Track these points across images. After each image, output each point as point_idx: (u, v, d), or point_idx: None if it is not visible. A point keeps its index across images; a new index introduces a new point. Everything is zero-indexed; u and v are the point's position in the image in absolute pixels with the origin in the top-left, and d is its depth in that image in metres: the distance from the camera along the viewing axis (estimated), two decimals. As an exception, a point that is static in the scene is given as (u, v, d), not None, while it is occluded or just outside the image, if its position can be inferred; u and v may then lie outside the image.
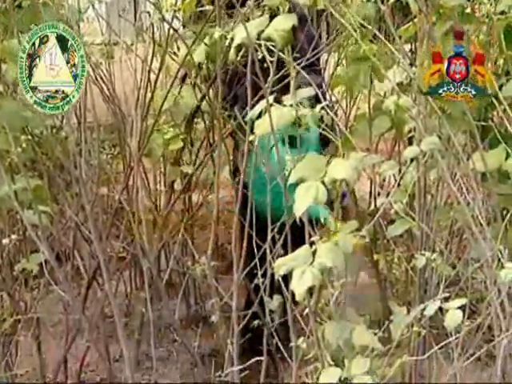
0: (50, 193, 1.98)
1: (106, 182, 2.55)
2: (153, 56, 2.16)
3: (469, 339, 1.40)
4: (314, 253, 1.14)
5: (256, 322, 1.78)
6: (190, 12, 2.19)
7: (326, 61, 2.89)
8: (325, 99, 1.41)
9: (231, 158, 2.26)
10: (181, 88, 2.25)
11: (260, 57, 1.25)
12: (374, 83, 1.78)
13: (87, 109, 2.10)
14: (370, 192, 3.05)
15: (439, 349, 1.31)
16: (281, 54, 1.25)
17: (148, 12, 2.36)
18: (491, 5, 1.49)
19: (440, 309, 1.20)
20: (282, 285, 1.35)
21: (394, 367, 1.18)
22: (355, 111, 2.98)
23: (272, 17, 1.25)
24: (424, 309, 1.20)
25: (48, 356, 2.16)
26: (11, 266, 1.92)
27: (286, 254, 1.25)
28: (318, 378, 1.19)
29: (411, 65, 1.49)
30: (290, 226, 1.36)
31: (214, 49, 1.89)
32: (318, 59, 2.29)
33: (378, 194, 2.53)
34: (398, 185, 1.46)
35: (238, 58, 1.30)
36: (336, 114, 2.55)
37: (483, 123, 1.51)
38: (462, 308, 1.18)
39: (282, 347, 1.58)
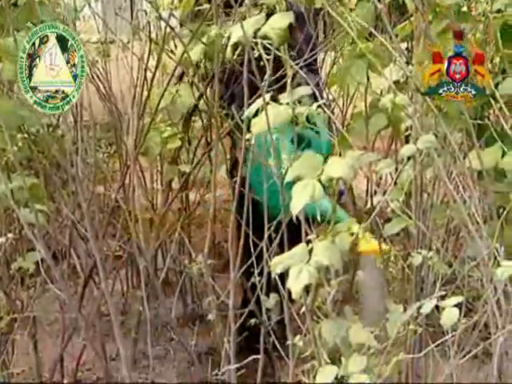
0: (47, 191, 1.98)
1: (102, 180, 2.55)
2: (149, 54, 2.16)
3: (465, 337, 1.40)
4: (310, 251, 1.15)
5: (253, 321, 1.79)
6: (188, 10, 2.18)
7: (323, 60, 2.90)
8: (322, 98, 1.41)
9: (228, 156, 2.26)
10: (176, 85, 2.24)
11: (257, 55, 1.25)
12: (371, 81, 1.78)
13: (84, 107, 2.10)
14: (367, 190, 3.05)
15: (436, 347, 1.31)
16: (277, 52, 1.24)
17: (144, 10, 2.36)
18: (487, 3, 1.50)
19: (436, 307, 1.20)
20: (279, 283, 1.35)
21: (390, 365, 1.18)
22: (352, 110, 2.99)
23: (269, 15, 1.25)
24: (420, 307, 1.20)
25: (44, 355, 2.16)
26: (7, 264, 1.92)
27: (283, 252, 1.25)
28: (314, 377, 1.19)
29: (408, 63, 1.49)
30: (290, 224, 1.35)
31: (211, 47, 1.89)
32: (316, 59, 2.29)
33: (375, 193, 2.53)
34: (395, 183, 1.47)
35: (235, 57, 1.29)
36: (333, 112, 2.55)
37: (479, 122, 1.51)
38: (459, 306, 1.18)
39: (278, 345, 1.58)
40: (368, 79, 1.66)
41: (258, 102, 1.24)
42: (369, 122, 1.69)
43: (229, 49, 1.24)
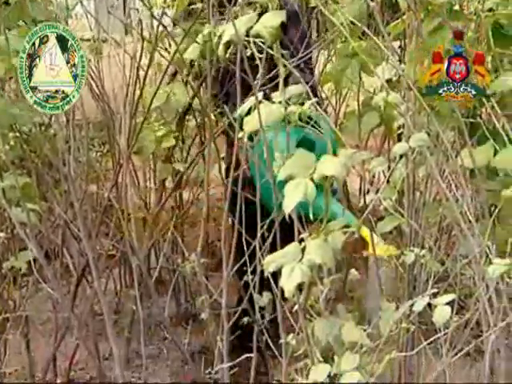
0: (39, 190, 1.97)
1: (95, 179, 2.54)
2: (141, 53, 2.15)
3: (457, 335, 1.40)
4: (303, 249, 1.15)
5: (246, 319, 1.79)
6: (181, 9, 2.18)
7: (316, 58, 2.90)
8: (317, 97, 1.41)
9: (222, 155, 2.26)
10: (169, 84, 2.24)
11: (250, 54, 1.25)
12: (363, 80, 1.78)
13: (76, 106, 2.09)
14: (360, 189, 3.06)
15: (428, 344, 1.31)
16: (270, 50, 1.24)
17: (137, 9, 2.36)
18: (479, 2, 1.50)
19: (429, 305, 1.20)
20: (272, 282, 1.35)
21: (382, 363, 1.18)
22: (345, 108, 2.99)
23: (262, 14, 1.25)
24: (413, 305, 1.21)
25: (37, 354, 2.16)
26: (-1, 263, 1.92)
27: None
28: (307, 375, 1.19)
29: (400, 61, 1.50)
30: (283, 223, 1.35)
31: (205, 46, 1.88)
32: (310, 57, 2.29)
33: (368, 191, 2.54)
34: (388, 181, 1.47)
35: (229, 56, 1.29)
36: (326, 111, 2.55)
37: (472, 120, 1.51)
38: (451, 304, 1.18)
39: (271, 344, 1.58)
40: (360, 78, 1.67)
41: (251, 101, 1.24)
42: (361, 120, 1.69)
43: (221, 47, 1.24)
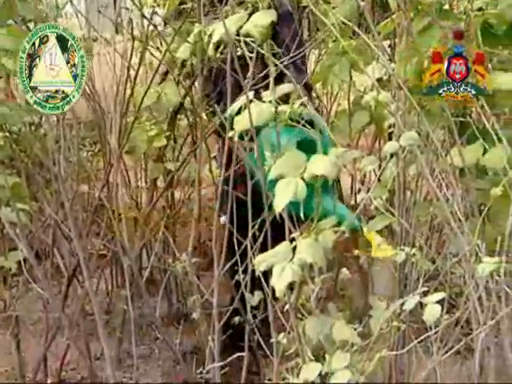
0: (29, 190, 1.96)
1: (86, 179, 2.53)
2: (132, 52, 2.14)
3: (448, 333, 1.41)
4: (294, 249, 1.15)
5: (237, 319, 1.78)
6: (172, 9, 2.17)
7: (307, 57, 2.90)
8: (310, 97, 1.41)
9: (213, 155, 2.26)
10: (160, 84, 2.23)
11: (242, 53, 1.25)
12: (354, 79, 1.79)
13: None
14: (351, 188, 3.07)
15: (418, 343, 1.32)
16: (260, 49, 1.24)
17: (127, 8, 2.35)
18: (468, 1, 1.51)
19: (420, 303, 1.21)
20: (263, 281, 1.35)
21: (373, 362, 1.18)
22: (336, 107, 3.00)
23: (253, 14, 1.25)
24: (403, 303, 1.21)
25: (27, 354, 2.15)
26: (-10, 264, 1.90)
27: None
28: (298, 374, 1.19)
29: (390, 60, 1.50)
30: (274, 222, 1.35)
31: (197, 46, 1.88)
32: (303, 56, 2.29)
33: (359, 190, 2.54)
34: (379, 180, 1.47)
35: (220, 55, 1.29)
36: (317, 110, 2.55)
37: (461, 119, 1.52)
38: (441, 302, 1.18)
39: (263, 343, 1.58)
40: (351, 77, 1.67)
41: (241, 100, 1.24)
42: (351, 119, 1.70)
43: (211, 46, 1.24)
